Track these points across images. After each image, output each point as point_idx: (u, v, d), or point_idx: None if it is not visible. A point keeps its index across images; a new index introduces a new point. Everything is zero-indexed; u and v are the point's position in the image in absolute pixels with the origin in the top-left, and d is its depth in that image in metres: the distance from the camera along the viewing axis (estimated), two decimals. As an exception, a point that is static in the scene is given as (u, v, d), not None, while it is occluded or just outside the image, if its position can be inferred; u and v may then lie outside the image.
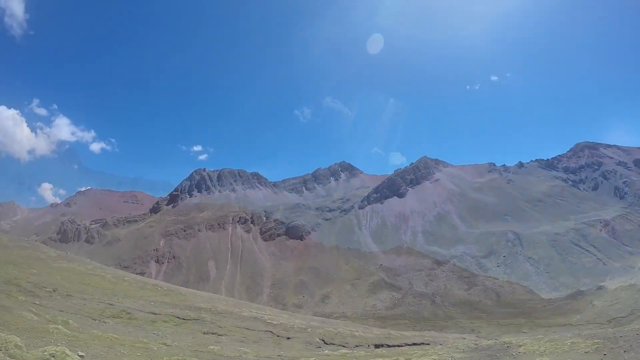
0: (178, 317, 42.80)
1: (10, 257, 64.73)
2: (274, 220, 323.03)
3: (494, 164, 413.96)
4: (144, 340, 26.85)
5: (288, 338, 40.35)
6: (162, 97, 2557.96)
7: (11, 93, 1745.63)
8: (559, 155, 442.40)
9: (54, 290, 43.69)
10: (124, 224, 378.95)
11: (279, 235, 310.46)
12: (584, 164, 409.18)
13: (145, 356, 21.11)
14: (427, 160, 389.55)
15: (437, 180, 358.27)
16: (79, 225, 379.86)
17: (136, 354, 21.38)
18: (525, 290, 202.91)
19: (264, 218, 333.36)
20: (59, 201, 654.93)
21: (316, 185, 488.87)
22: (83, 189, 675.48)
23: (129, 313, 40.16)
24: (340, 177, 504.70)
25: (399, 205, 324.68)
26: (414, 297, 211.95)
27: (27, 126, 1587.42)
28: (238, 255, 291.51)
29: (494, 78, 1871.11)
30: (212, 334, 37.82)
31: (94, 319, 34.36)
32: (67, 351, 16.90)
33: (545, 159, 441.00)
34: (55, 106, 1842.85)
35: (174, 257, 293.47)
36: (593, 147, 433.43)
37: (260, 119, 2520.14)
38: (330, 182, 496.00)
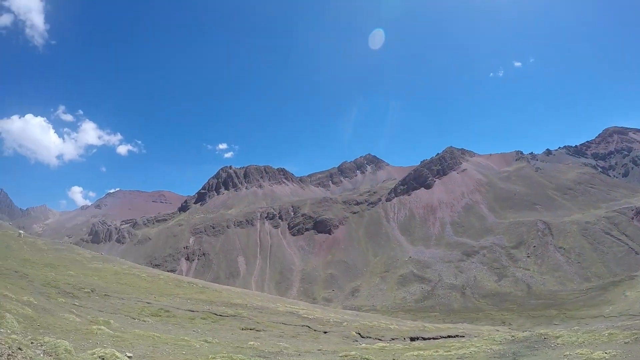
0: (215, 314, 43.61)
1: (47, 260, 65.79)
2: (302, 215, 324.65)
3: (521, 152, 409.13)
4: (185, 338, 27.59)
5: (325, 332, 41.08)
6: (185, 97, 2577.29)
7: (37, 101, 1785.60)
8: (587, 142, 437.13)
9: (92, 291, 44.53)
10: (153, 223, 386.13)
11: (307, 229, 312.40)
12: (613, 149, 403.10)
13: (190, 354, 21.69)
14: (453, 150, 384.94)
15: (464, 170, 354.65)
16: (110, 225, 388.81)
17: (181, 352, 22.04)
18: (556, 281, 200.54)
19: (292, 213, 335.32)
20: (89, 203, 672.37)
21: (342, 179, 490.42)
22: (112, 190, 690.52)
23: (168, 311, 41.05)
24: (366, 170, 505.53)
25: (427, 197, 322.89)
26: (443, 289, 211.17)
27: (55, 132, 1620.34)
28: (267, 250, 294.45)
29: (517, 64, 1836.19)
30: (250, 329, 38.59)
31: (134, 318, 35.19)
32: (117, 353, 17.40)
33: (574, 145, 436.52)
34: (80, 112, 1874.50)
35: (203, 254, 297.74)
36: (622, 132, 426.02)
37: (284, 115, 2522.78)
38: (356, 175, 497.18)
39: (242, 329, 38.54)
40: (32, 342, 16.63)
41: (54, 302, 32.89)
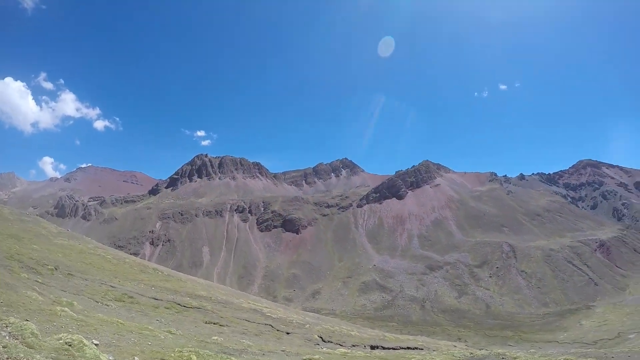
0: (179, 305, 42.95)
1: (11, 231, 64.36)
2: (272, 212, 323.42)
3: (495, 174, 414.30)
4: (149, 327, 27.00)
5: (287, 333, 40.56)
6: (169, 80, 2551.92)
7: (19, 65, 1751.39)
8: (560, 171, 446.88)
9: (56, 269, 43.62)
10: (122, 203, 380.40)
11: (275, 227, 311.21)
12: (585, 181, 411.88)
13: (156, 345, 21.18)
14: (429, 164, 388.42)
15: (437, 185, 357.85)
16: (77, 201, 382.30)
17: (146, 342, 21.53)
18: (515, 303, 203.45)
19: (262, 208, 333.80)
20: (59, 176, 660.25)
21: (316, 180, 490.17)
22: (84, 165, 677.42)
23: (131, 297, 40.32)
24: (341, 174, 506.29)
25: (397, 207, 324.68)
26: (404, 300, 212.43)
27: (33, 99, 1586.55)
28: (233, 243, 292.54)
29: (502, 87, 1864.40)
30: (214, 324, 38.04)
31: (96, 302, 34.51)
32: (84, 340, 16.90)
33: (547, 173, 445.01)
34: (62, 81, 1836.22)
35: (169, 240, 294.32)
36: (595, 165, 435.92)
37: (266, 109, 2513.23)
38: (330, 178, 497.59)
39: (206, 322, 38.11)
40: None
41: (16, 277, 32.40)
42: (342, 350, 32.12)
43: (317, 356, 24.06)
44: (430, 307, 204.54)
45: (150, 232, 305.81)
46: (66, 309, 24.15)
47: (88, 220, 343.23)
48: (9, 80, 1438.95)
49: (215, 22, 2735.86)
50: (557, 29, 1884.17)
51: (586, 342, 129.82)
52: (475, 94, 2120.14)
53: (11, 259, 40.12)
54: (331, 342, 39.79)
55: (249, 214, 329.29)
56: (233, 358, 20.19)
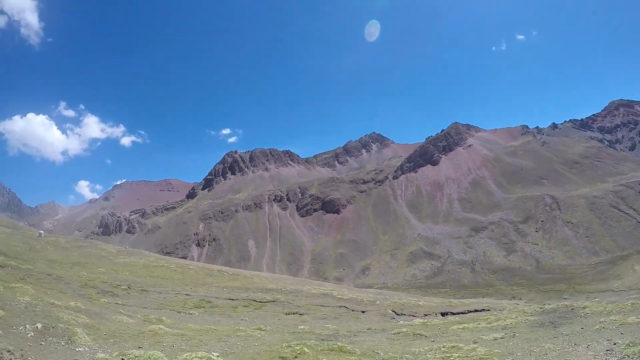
0: (255, 301, 44.41)
1: (73, 259, 65.69)
2: (310, 196, 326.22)
3: (526, 127, 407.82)
4: (241, 327, 28.15)
5: (363, 312, 42.22)
6: (186, 84, 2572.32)
7: (38, 100, 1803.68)
8: (593, 115, 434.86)
9: (129, 287, 44.68)
10: (162, 212, 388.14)
11: (315, 210, 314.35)
12: (619, 122, 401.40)
13: (261, 344, 22.24)
14: (459, 125, 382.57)
15: (470, 145, 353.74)
16: (119, 217, 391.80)
17: (252, 343, 22.52)
18: (565, 256, 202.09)
19: (299, 194, 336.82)
20: (97, 196, 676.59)
21: (348, 158, 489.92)
22: (119, 182, 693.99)
23: (209, 301, 41.75)
24: (371, 149, 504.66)
25: (433, 173, 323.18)
26: (453, 265, 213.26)
27: (57, 129, 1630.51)
28: (277, 232, 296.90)
29: (520, 37, 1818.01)
30: (294, 314, 39.53)
31: (179, 312, 35.70)
32: (210, 355, 17.85)
33: (580, 119, 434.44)
34: (82, 106, 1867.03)
35: (214, 239, 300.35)
36: (628, 105, 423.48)
37: (286, 98, 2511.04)
38: (362, 154, 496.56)
39: (286, 314, 39.60)
40: (122, 359, 16.97)
41: (97, 303, 32.96)
42: (419, 320, 34.01)
43: (404, 329, 25.86)
44: (480, 269, 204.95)
45: (194, 234, 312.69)
46: (161, 325, 25.14)
47: (133, 233, 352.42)
48: (31, 115, 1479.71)
49: (219, 19, 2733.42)
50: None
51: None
52: (493, 48, 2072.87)
53: (86, 286, 41.10)
54: (404, 315, 41.76)
55: (288, 202, 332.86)
56: (339, 343, 21.34)
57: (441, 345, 19.90)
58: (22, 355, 15.76)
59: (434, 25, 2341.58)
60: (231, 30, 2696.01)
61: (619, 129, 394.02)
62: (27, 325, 19.28)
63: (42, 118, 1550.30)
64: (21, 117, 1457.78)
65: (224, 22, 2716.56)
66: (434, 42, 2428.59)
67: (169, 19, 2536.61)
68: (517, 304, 56.32)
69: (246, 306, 42.12)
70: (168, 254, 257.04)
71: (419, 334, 24.72)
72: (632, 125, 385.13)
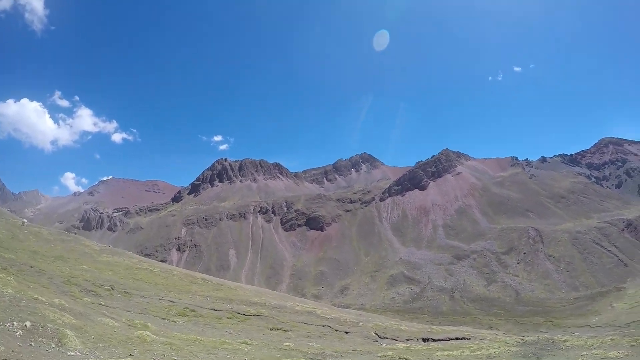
0: (239, 313, 43.96)
1: (56, 252, 65.02)
2: (295, 211, 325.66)
3: (516, 158, 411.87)
4: (227, 340, 27.81)
5: (346, 332, 41.76)
6: (182, 88, 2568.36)
7: (34, 86, 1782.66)
8: (582, 151, 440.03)
9: (112, 288, 44.26)
10: (146, 213, 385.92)
11: (299, 225, 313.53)
12: (607, 160, 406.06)
13: (251, 358, 22.25)
14: (449, 152, 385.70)
15: (459, 173, 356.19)
16: (102, 213, 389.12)
17: (243, 357, 22.46)
18: (544, 289, 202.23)
19: (285, 208, 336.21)
20: (81, 190, 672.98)
21: (337, 176, 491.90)
22: (105, 178, 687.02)
23: (193, 310, 41.27)
24: (361, 168, 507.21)
25: (420, 198, 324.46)
26: (432, 291, 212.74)
27: (50, 117, 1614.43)
28: (259, 244, 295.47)
29: (517, 69, 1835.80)
30: (278, 329, 39.03)
31: (163, 319, 35.26)
32: None
33: (569, 154, 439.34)
34: (77, 98, 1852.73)
35: (195, 245, 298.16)
36: (618, 143, 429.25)
37: (281, 110, 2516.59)
38: (351, 173, 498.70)
39: (270, 329, 39.17)
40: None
41: (80, 302, 32.80)
42: (402, 344, 33.47)
43: (389, 352, 25.48)
44: (459, 297, 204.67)
45: (176, 238, 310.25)
46: (147, 332, 24.88)
47: (114, 231, 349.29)
48: (24, 101, 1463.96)
49: (219, 26, 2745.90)
50: (566, 4, 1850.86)
51: (619, 325, 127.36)
52: (490, 78, 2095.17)
53: (68, 283, 40.73)
54: (387, 338, 41.15)
55: (273, 215, 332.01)
56: None
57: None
58: (15, 358, 15.57)
59: (434, 52, 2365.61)
60: (232, 40, 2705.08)
61: (606, 166, 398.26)
62: (15, 323, 19.16)
63: (35, 105, 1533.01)
64: (15, 102, 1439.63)
65: (228, 31, 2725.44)
66: (431, 69, 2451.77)
67: (173, 22, 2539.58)
68: (497, 334, 55.70)
69: (230, 318, 41.62)
70: (147, 255, 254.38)
71: (405, 358, 24.21)
72: (620, 164, 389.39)
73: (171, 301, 44.95)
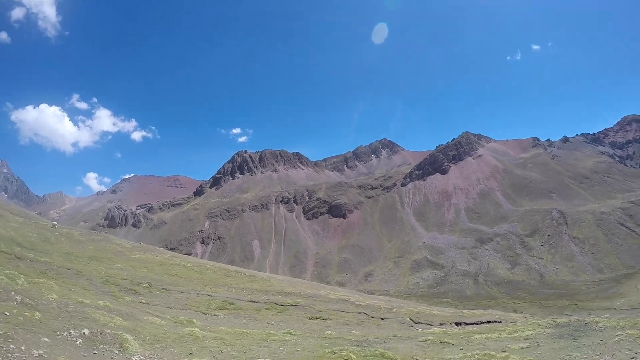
0: (277, 304, 44.69)
1: (89, 253, 65.70)
2: (317, 199, 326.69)
3: (537, 139, 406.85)
4: (271, 331, 28.19)
5: (382, 319, 42.72)
6: (198, 83, 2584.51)
7: (52, 91, 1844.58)
8: (605, 130, 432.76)
9: (150, 285, 44.80)
10: (169, 208, 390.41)
11: (321, 214, 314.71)
12: (631, 138, 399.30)
13: (304, 349, 22.61)
14: (469, 135, 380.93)
15: (480, 155, 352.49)
16: (126, 210, 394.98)
17: (295, 349, 22.85)
18: (569, 271, 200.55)
19: (307, 197, 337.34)
20: (104, 189, 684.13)
21: (357, 163, 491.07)
22: (127, 176, 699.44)
23: (232, 303, 41.99)
24: (381, 155, 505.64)
25: (442, 182, 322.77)
26: (456, 275, 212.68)
27: (69, 120, 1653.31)
28: (282, 234, 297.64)
29: (535, 47, 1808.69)
30: (317, 318, 39.69)
31: (204, 313, 35.82)
32: None
33: (591, 133, 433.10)
34: (95, 99, 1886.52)
35: (218, 237, 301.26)
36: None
37: (298, 99, 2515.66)
38: (371, 160, 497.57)
39: (309, 318, 39.90)
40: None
41: (122, 301, 32.86)
42: (437, 329, 34.64)
43: (430, 337, 26.54)
44: (483, 281, 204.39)
45: (199, 231, 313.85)
46: (195, 328, 25.15)
47: (138, 227, 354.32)
48: (43, 106, 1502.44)
49: (231, 21, 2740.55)
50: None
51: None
52: (508, 57, 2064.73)
53: (107, 283, 41.19)
54: (421, 323, 42.40)
55: (295, 204, 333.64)
56: (380, 349, 21.71)
57: (473, 353, 20.54)
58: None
59: (452, 34, 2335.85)
60: (245, 33, 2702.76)
61: (630, 144, 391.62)
62: (72, 331, 18.82)
63: (54, 109, 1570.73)
64: (34, 107, 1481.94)
65: (240, 26, 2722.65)
66: (449, 48, 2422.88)
67: (186, 18, 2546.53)
68: (526, 317, 56.55)
69: (269, 309, 42.42)
70: (172, 249, 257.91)
71: (446, 342, 25.37)
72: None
73: (209, 295, 45.66)
